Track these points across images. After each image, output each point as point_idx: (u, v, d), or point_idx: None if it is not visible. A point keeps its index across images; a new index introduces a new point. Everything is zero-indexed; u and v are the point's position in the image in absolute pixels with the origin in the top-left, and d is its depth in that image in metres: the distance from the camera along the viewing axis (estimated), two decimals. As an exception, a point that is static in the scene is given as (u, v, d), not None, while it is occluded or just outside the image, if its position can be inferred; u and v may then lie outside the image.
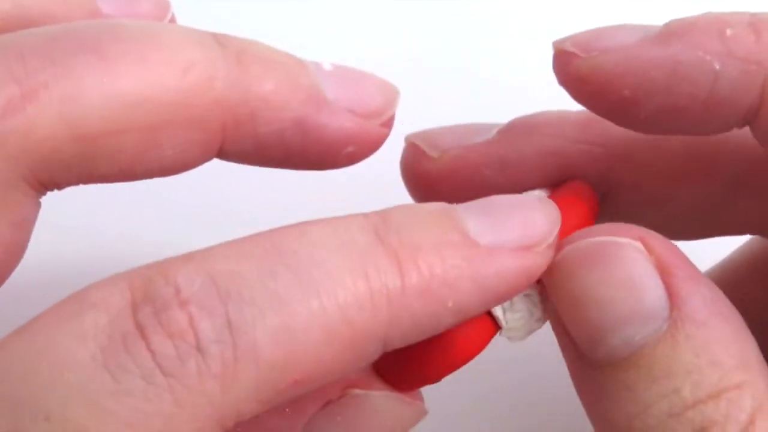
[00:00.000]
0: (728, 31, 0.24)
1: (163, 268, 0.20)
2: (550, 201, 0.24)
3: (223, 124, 0.23)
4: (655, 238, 0.24)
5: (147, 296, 0.20)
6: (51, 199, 0.22)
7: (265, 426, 0.23)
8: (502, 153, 0.28)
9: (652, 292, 0.23)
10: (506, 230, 0.23)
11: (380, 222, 0.22)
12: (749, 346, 0.23)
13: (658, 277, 0.23)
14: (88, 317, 0.19)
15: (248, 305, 0.20)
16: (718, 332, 0.23)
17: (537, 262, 0.23)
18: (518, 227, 0.23)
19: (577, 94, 0.25)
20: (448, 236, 0.22)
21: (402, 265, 0.21)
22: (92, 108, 0.21)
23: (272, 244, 0.21)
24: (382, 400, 0.24)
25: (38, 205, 0.22)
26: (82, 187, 0.22)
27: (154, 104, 0.22)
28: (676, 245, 0.24)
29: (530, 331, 0.25)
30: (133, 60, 0.22)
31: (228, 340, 0.19)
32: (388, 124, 0.25)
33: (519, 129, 0.28)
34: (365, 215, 0.22)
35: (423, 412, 0.25)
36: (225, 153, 0.23)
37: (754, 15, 0.24)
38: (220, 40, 0.23)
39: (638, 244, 0.24)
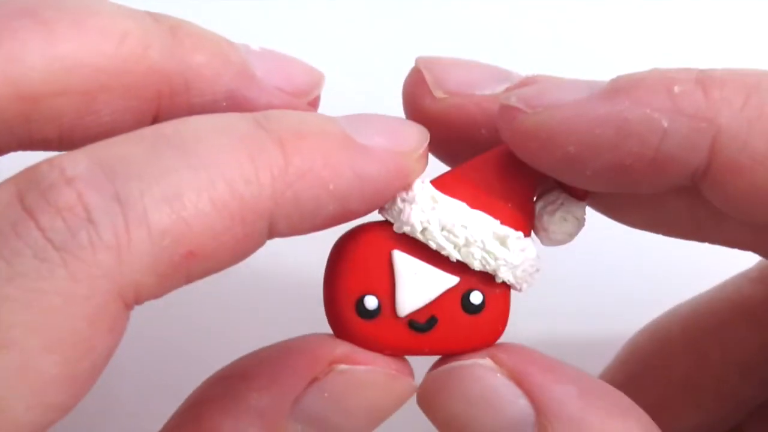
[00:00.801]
0: (676, 89, 0.23)
1: (47, 159, 0.20)
2: (418, 125, 0.25)
3: (158, 92, 0.24)
4: (505, 351, 0.25)
5: (32, 183, 0.20)
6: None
7: (253, 406, 0.23)
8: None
9: (511, 402, 0.24)
10: (379, 135, 0.23)
11: (261, 116, 0.22)
12: (630, 425, 0.24)
13: (515, 387, 0.24)
14: None
15: (135, 179, 0.20)
16: (591, 425, 0.23)
17: (410, 165, 0.24)
18: (389, 134, 0.24)
19: (521, 150, 0.25)
20: (328, 128, 0.23)
21: (285, 147, 0.22)
22: (34, 69, 0.22)
23: (155, 131, 0.21)
24: (368, 374, 0.24)
25: None
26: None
27: (92, 69, 0.23)
28: (531, 350, 0.25)
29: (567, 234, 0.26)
30: (70, 25, 0.23)
31: (117, 210, 0.20)
32: (315, 104, 0.26)
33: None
34: (244, 113, 0.23)
35: (413, 388, 0.25)
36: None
37: (701, 71, 0.24)
38: (153, 16, 0.24)
39: (487, 362, 0.24)
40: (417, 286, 0.25)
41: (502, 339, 0.26)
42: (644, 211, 0.29)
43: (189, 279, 0.21)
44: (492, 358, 0.25)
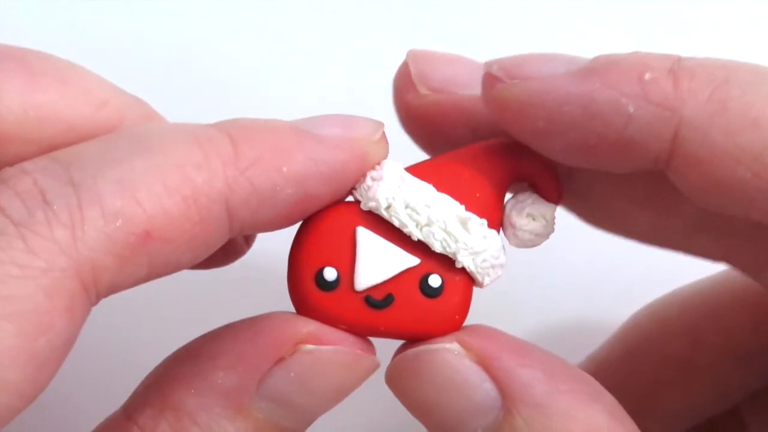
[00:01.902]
0: (647, 75, 0.23)
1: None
2: (376, 122, 0.25)
3: None
4: (473, 335, 0.25)
5: None
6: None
7: (219, 384, 0.24)
8: (478, 118, 0.28)
9: (478, 387, 0.24)
10: (331, 127, 0.24)
11: (210, 124, 0.23)
12: (597, 410, 0.24)
13: (482, 371, 0.24)
14: None
15: (89, 167, 0.21)
16: (556, 410, 0.23)
17: (364, 148, 0.25)
18: (341, 125, 0.25)
19: (496, 117, 0.25)
20: (277, 124, 0.24)
21: (233, 138, 0.23)
22: (10, 111, 0.23)
23: (110, 134, 0.23)
24: (334, 354, 0.24)
25: None
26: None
27: (66, 126, 0.24)
28: (500, 332, 0.25)
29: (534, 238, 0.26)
30: (55, 79, 0.24)
31: (72, 193, 0.21)
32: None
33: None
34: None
35: (376, 365, 0.25)
36: None
37: (678, 60, 0.24)
38: (139, 100, 0.25)
39: (454, 346, 0.24)
40: (376, 262, 0.25)
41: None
42: (621, 220, 0.29)
43: (151, 266, 0.22)
44: (459, 342, 0.25)
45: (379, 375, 0.26)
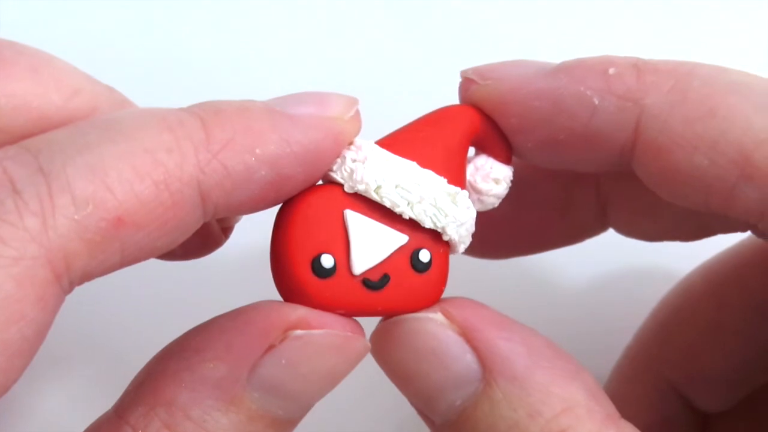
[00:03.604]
0: (611, 70, 0.25)
1: None
2: (346, 94, 0.25)
3: None
4: (457, 306, 0.25)
5: None
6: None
7: (210, 376, 0.23)
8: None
9: (459, 358, 0.24)
10: (304, 105, 0.24)
11: (180, 108, 0.23)
12: (575, 387, 0.24)
13: (463, 342, 0.24)
14: None
15: (58, 154, 0.21)
16: (535, 384, 0.24)
17: (338, 127, 0.25)
18: (314, 103, 0.24)
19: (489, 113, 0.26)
20: (248, 104, 0.24)
21: (205, 122, 0.23)
22: None
23: (79, 121, 0.23)
24: (324, 337, 0.24)
25: None
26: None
27: (37, 115, 0.24)
28: (484, 306, 0.25)
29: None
30: (26, 68, 0.24)
31: (41, 181, 0.20)
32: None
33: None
34: None
35: (367, 347, 0.25)
36: None
37: (640, 59, 0.25)
38: (112, 89, 0.25)
39: (438, 316, 0.25)
40: (370, 244, 0.25)
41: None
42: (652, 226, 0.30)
43: (125, 251, 0.21)
44: (443, 312, 0.25)
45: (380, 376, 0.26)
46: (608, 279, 0.41)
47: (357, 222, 0.25)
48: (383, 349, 0.25)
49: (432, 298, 0.26)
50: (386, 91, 0.29)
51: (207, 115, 0.23)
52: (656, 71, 0.25)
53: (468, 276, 0.29)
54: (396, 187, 0.25)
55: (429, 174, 0.25)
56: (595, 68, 0.25)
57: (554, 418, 0.24)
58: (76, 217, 0.21)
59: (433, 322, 0.25)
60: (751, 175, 0.24)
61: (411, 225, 0.25)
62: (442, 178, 0.26)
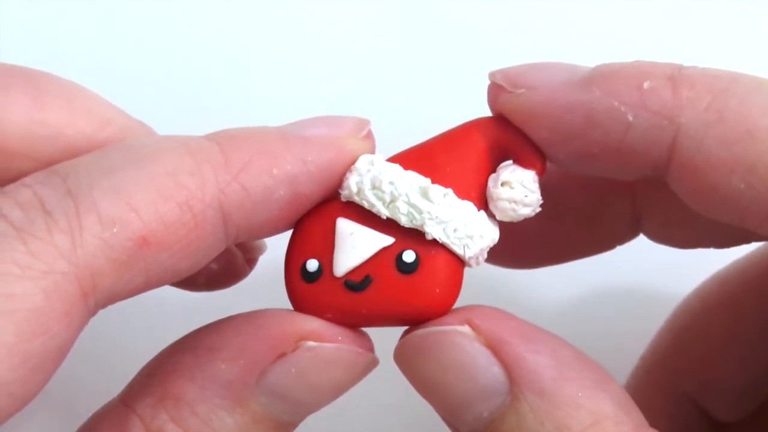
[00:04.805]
0: (646, 84, 0.24)
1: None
2: (361, 119, 0.26)
3: None
4: (484, 318, 0.25)
5: None
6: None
7: (220, 376, 0.24)
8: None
9: (485, 370, 0.24)
10: (316, 128, 0.25)
11: (199, 136, 0.24)
12: (603, 399, 0.24)
13: (490, 355, 0.24)
14: None
15: (85, 177, 0.22)
16: (562, 397, 0.23)
17: (350, 145, 0.25)
18: (326, 125, 0.25)
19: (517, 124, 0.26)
20: (263, 130, 0.25)
21: (223, 145, 0.24)
22: (15, 125, 0.24)
23: (104, 148, 0.23)
24: (335, 351, 0.25)
25: None
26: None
27: (68, 144, 0.25)
28: (510, 316, 0.25)
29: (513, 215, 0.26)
30: (59, 97, 0.25)
31: (70, 203, 0.21)
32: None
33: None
34: None
35: (375, 362, 0.26)
36: None
37: (677, 69, 0.24)
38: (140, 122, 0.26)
39: (464, 328, 0.25)
40: (353, 246, 0.26)
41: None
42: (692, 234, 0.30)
43: (149, 272, 0.22)
44: (470, 324, 0.25)
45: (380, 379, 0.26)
46: (620, 289, 0.40)
47: (343, 227, 0.26)
48: (409, 360, 0.25)
49: (424, 300, 0.25)
50: (398, 100, 0.29)
51: (225, 140, 0.24)
52: (693, 86, 0.24)
53: (488, 283, 0.30)
54: (372, 188, 0.25)
55: (408, 174, 0.26)
56: (630, 81, 0.24)
57: (582, 431, 0.24)
58: (102, 236, 0.21)
59: (459, 333, 0.25)
60: None
61: (398, 228, 0.25)
62: (422, 177, 0.26)
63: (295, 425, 0.26)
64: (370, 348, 0.26)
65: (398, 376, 0.26)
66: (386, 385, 0.28)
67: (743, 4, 0.41)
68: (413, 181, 0.25)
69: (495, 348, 0.24)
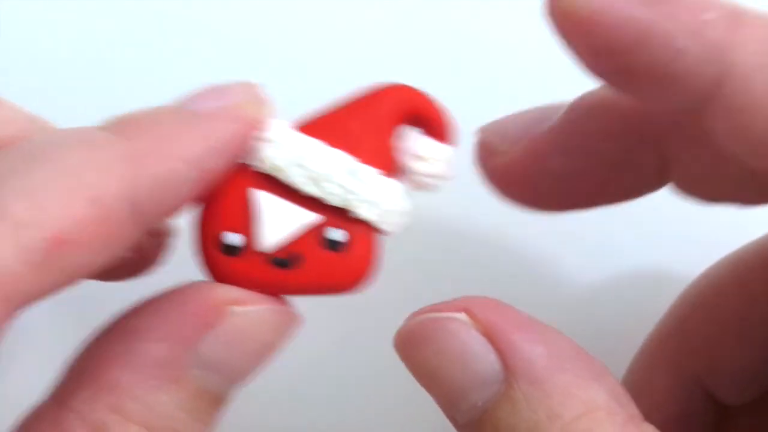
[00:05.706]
0: (706, 15, 0.24)
1: None
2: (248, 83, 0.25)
3: None
4: (481, 306, 0.25)
5: None
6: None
7: (152, 357, 0.24)
8: (563, 140, 0.29)
9: (482, 358, 0.24)
10: (206, 100, 0.25)
11: (96, 126, 0.24)
12: (597, 389, 0.24)
13: (486, 343, 0.24)
14: None
15: None
16: (555, 386, 0.24)
17: (245, 112, 0.25)
18: (214, 96, 0.25)
19: (562, 29, 0.25)
20: (160, 112, 0.24)
21: (123, 134, 0.23)
22: None
23: (1, 150, 0.23)
24: (262, 314, 0.25)
25: None
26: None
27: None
28: (508, 306, 0.25)
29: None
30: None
31: None
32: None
33: (577, 112, 0.27)
34: None
35: (299, 321, 0.26)
36: None
37: (739, 7, 0.24)
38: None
39: (461, 316, 0.25)
40: (276, 221, 0.25)
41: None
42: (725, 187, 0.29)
43: (65, 271, 0.22)
44: (467, 312, 0.25)
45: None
46: (623, 276, 0.40)
47: (261, 200, 0.25)
48: (408, 348, 0.26)
49: (351, 277, 0.26)
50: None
51: (123, 128, 0.23)
52: (753, 25, 0.24)
53: (485, 274, 0.30)
54: (297, 165, 0.25)
55: (333, 152, 0.25)
56: (692, 8, 0.24)
57: (574, 420, 0.23)
58: (14, 238, 0.21)
59: (456, 321, 0.25)
60: None
61: (324, 205, 0.25)
62: (350, 156, 0.25)
63: (230, 396, 0.25)
64: (293, 307, 0.26)
65: (398, 377, 0.26)
66: (386, 385, 0.28)
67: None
68: (341, 160, 0.25)
69: (491, 336, 0.24)
